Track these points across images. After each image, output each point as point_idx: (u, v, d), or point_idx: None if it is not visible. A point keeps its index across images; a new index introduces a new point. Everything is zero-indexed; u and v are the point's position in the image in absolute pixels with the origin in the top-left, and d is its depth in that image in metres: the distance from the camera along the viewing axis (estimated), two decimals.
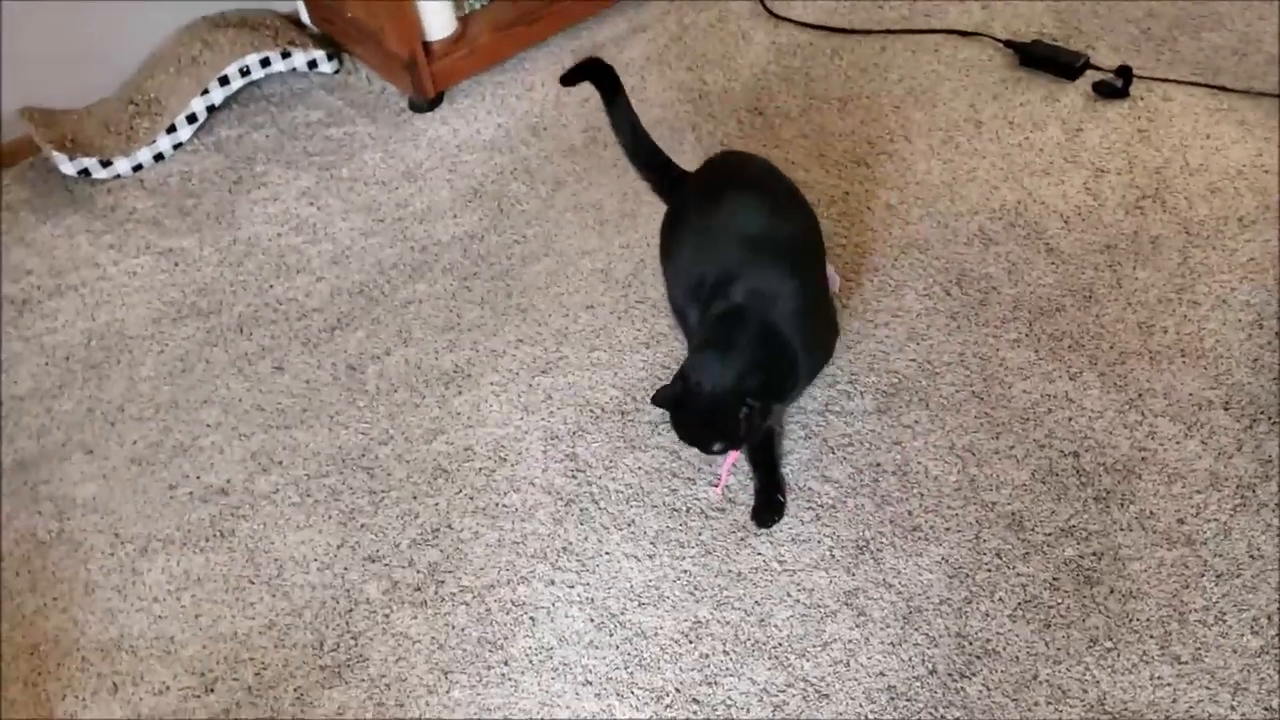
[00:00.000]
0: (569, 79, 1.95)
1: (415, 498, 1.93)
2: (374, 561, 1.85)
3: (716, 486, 1.90)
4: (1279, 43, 2.52)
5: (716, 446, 1.78)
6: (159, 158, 2.58)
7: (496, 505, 1.91)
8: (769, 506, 1.85)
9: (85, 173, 2.51)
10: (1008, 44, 2.60)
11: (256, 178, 2.54)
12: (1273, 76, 2.44)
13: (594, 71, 1.95)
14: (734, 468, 1.91)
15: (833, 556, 1.79)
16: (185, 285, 2.33)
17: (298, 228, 2.41)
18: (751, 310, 1.77)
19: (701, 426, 1.76)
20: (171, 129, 2.56)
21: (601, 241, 2.30)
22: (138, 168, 2.56)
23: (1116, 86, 2.45)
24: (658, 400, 1.78)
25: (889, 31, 2.71)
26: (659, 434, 1.97)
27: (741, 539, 1.82)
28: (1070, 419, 1.91)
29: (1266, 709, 1.57)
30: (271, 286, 2.30)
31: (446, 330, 2.18)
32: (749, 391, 1.71)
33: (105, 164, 2.52)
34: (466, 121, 2.62)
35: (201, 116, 2.60)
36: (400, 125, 2.63)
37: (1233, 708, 1.58)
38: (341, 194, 2.47)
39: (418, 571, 1.83)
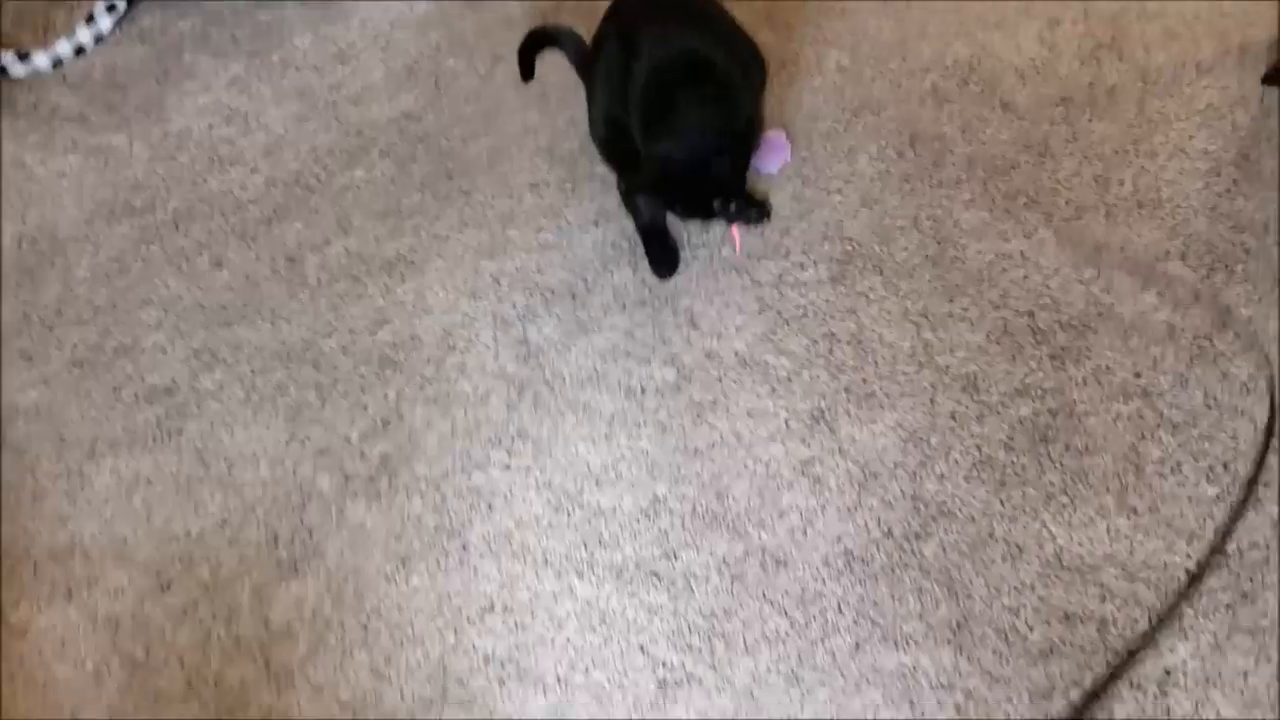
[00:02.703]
0: (525, 72, 2.10)
1: (363, 390, 1.89)
2: (325, 455, 1.83)
3: (737, 249, 1.95)
4: None
5: (725, 206, 1.76)
6: (80, 51, 2.46)
7: (447, 394, 1.88)
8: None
9: (2, 70, 2.40)
10: None
11: (184, 68, 2.43)
12: None
13: (537, 42, 2.06)
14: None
15: (788, 428, 1.77)
16: (117, 183, 2.25)
17: (229, 118, 2.32)
18: (684, 58, 1.78)
19: (710, 186, 1.75)
20: (90, 19, 2.45)
21: (544, 118, 2.22)
22: (58, 63, 2.44)
23: None
24: (645, 184, 1.81)
25: None
26: (611, 315, 1.93)
27: (698, 416, 1.80)
28: (1025, 278, 1.88)
29: (1221, 555, 1.58)
30: (205, 180, 2.22)
31: (387, 217, 2.11)
32: (736, 127, 1.74)
33: (23, 57, 2.40)
34: None
35: (121, 7, 2.48)
36: (330, 5, 2.51)
37: (1188, 555, 1.59)
38: (273, 81, 2.38)
39: (370, 463, 1.81)
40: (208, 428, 1.88)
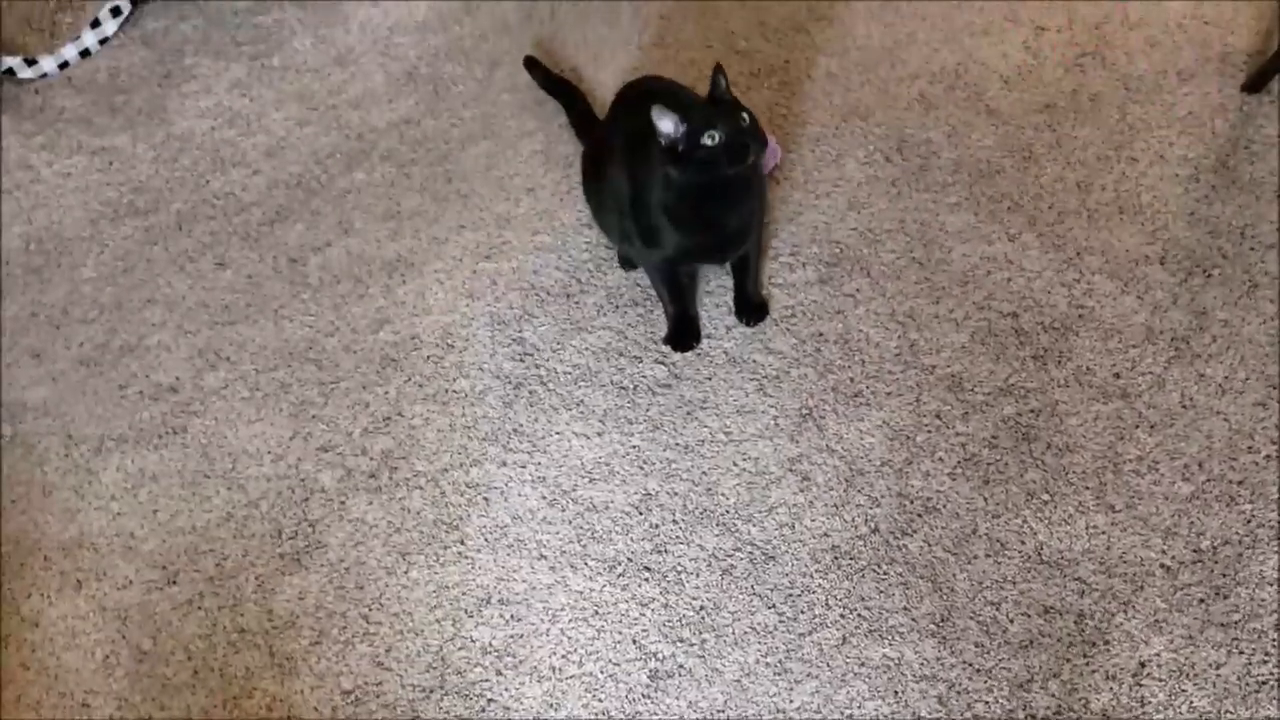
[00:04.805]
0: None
1: (365, 387, 1.94)
2: (327, 451, 1.87)
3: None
4: None
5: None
6: (85, 54, 2.50)
7: (446, 391, 1.93)
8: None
9: (10, 73, 2.44)
10: None
11: (186, 70, 2.48)
12: None
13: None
14: None
15: (777, 425, 1.82)
16: (121, 184, 2.29)
17: (231, 120, 2.37)
18: None
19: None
20: (96, 23, 2.49)
21: (540, 122, 2.27)
22: (64, 65, 2.48)
23: None
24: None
25: None
26: (605, 315, 1.98)
27: (689, 414, 1.85)
28: (1009, 280, 1.93)
29: (1195, 551, 1.63)
30: (208, 182, 2.27)
31: (387, 219, 2.16)
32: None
33: (30, 63, 2.45)
34: (397, 2, 2.55)
35: (125, 9, 2.52)
36: (330, 9, 2.56)
37: (1163, 551, 1.64)
38: (273, 84, 2.42)
39: (371, 459, 1.86)
40: (212, 425, 1.93)
